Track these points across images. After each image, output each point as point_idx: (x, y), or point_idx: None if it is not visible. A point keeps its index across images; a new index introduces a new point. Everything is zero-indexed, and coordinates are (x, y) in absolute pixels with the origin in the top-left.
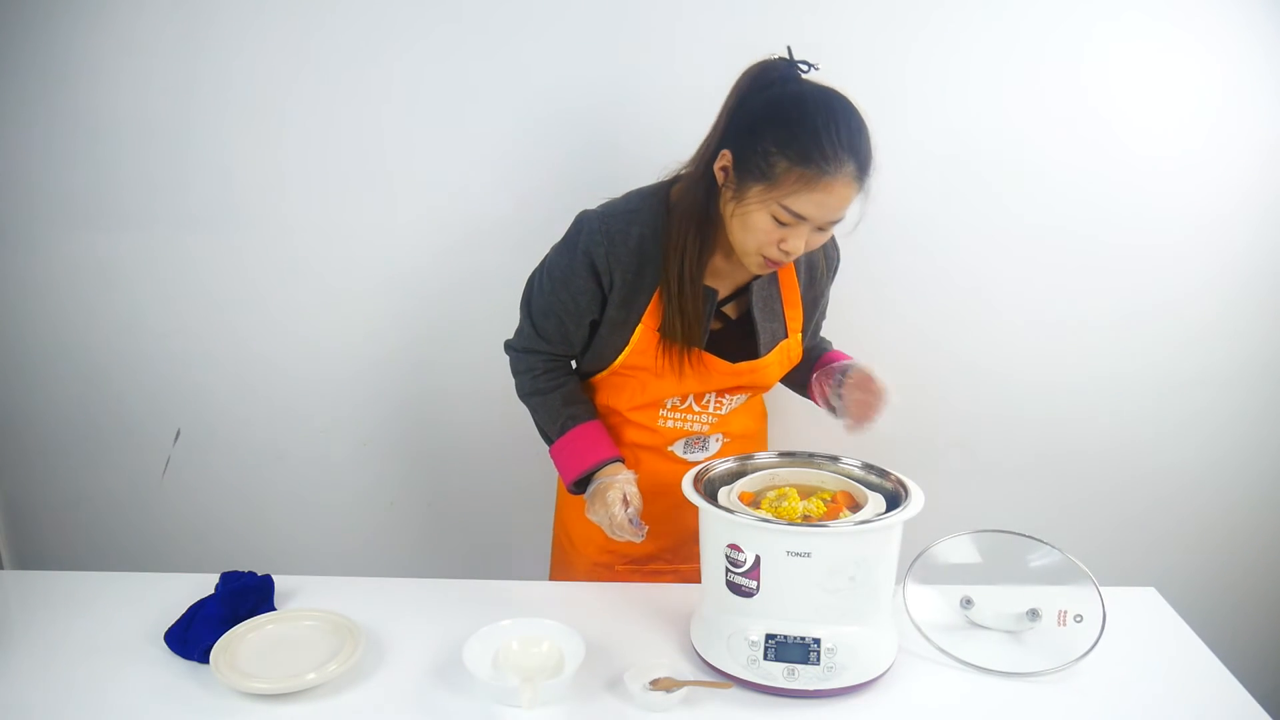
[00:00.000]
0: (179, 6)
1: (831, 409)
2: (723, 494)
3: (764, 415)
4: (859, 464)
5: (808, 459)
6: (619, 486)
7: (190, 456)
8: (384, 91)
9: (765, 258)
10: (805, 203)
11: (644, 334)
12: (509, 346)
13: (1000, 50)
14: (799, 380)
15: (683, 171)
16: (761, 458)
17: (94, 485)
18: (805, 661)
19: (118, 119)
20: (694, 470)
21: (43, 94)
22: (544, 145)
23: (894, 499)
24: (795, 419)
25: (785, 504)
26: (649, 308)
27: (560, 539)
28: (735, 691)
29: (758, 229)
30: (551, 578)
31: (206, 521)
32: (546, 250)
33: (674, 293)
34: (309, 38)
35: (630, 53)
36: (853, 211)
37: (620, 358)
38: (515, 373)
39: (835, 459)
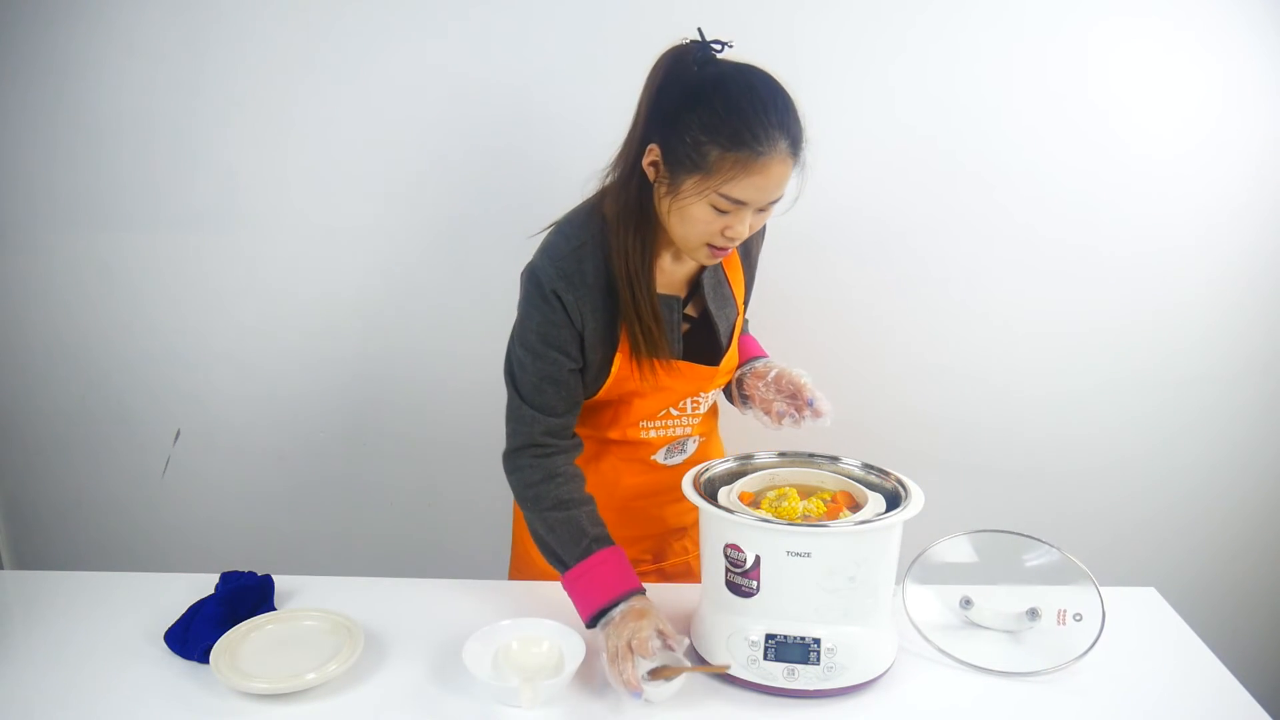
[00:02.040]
0: (181, 6)
1: (739, 399)
2: (723, 494)
3: (716, 411)
4: (859, 464)
5: (808, 459)
6: (654, 616)
7: (190, 456)
8: (386, 90)
9: (711, 247)
10: (744, 187)
11: (622, 361)
12: (510, 456)
13: (999, 52)
14: None
15: (608, 179)
16: (761, 458)
17: (94, 485)
18: (805, 661)
19: (119, 119)
20: (694, 470)
21: (45, 94)
22: (539, 140)
23: (894, 499)
24: None
25: (785, 504)
26: (623, 333)
27: (525, 546)
28: (735, 691)
29: (698, 221)
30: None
31: (206, 521)
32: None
33: (631, 307)
34: (311, 37)
35: (614, 51)
36: (791, 186)
37: (603, 389)
38: (517, 482)
39: (835, 459)
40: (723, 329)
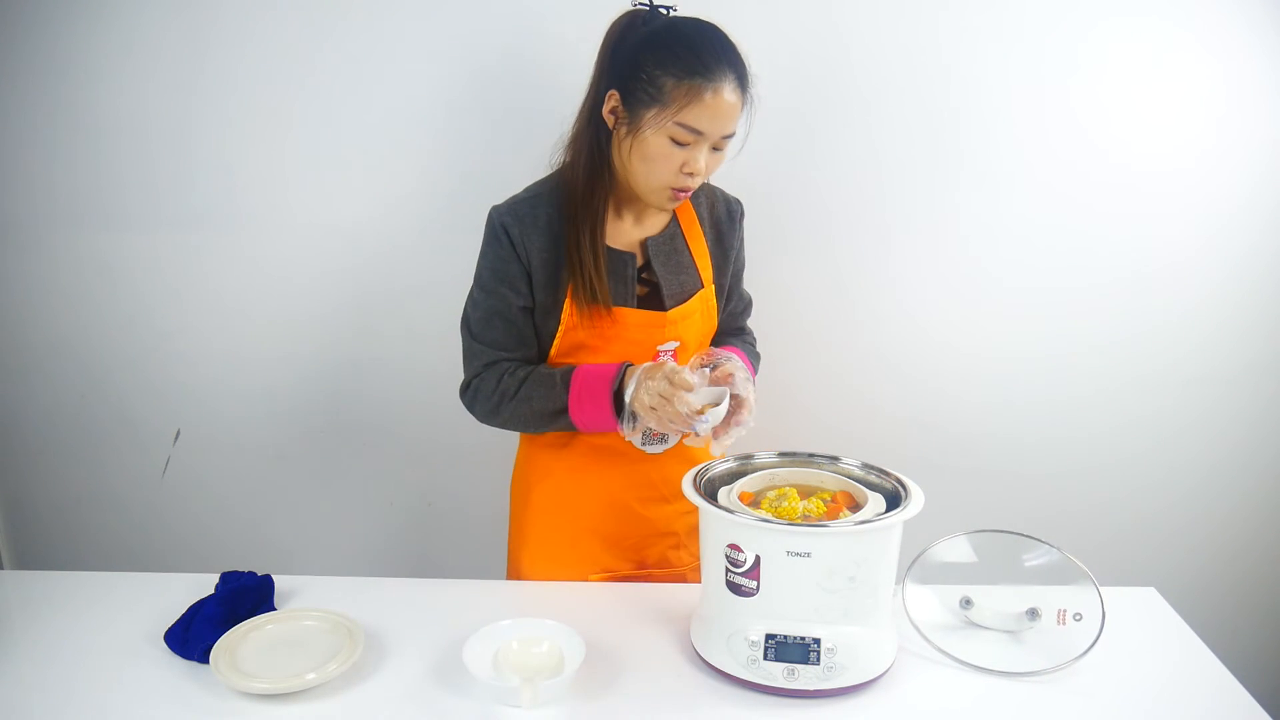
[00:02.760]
0: (180, 6)
1: None
2: (722, 494)
3: None
4: (859, 464)
5: (808, 459)
6: (668, 363)
7: (190, 456)
8: (386, 90)
9: (672, 189)
10: (699, 114)
11: (572, 309)
12: (463, 392)
13: (998, 52)
14: None
15: (566, 147)
16: (761, 458)
17: (94, 485)
18: (805, 661)
19: (119, 118)
20: (694, 470)
21: (44, 94)
22: (542, 139)
23: (894, 499)
24: (792, 419)
25: (785, 504)
26: (571, 283)
27: (516, 558)
28: (735, 691)
29: (658, 155)
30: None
31: (206, 521)
32: None
33: (575, 251)
34: (311, 37)
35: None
36: (741, 125)
37: (556, 340)
38: (480, 398)
39: (835, 459)
40: (667, 290)
